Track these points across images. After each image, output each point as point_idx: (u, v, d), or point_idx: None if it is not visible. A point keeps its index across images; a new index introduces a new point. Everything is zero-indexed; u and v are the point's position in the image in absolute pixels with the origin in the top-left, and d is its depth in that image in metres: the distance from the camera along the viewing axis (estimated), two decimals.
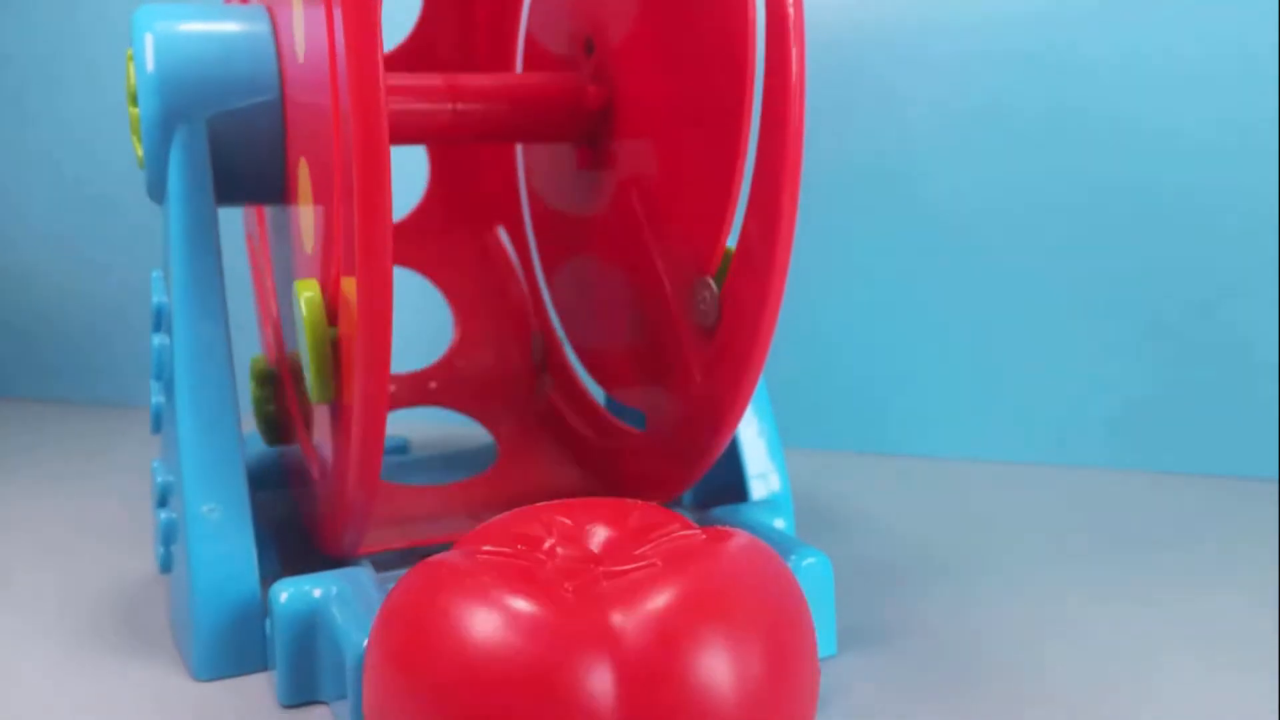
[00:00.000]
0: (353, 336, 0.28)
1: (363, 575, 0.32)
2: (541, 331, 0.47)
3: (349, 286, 0.28)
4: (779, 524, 0.37)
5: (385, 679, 0.22)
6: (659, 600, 0.21)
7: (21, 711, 0.32)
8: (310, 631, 0.32)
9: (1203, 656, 0.34)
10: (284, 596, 0.31)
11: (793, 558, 0.33)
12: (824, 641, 0.33)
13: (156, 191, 0.35)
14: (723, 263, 0.33)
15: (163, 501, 0.36)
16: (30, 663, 0.35)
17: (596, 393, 0.44)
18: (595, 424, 0.42)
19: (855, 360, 0.57)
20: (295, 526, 0.39)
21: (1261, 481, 0.50)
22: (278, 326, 0.42)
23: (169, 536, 0.35)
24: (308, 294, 0.29)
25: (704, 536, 0.23)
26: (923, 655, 0.34)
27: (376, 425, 0.28)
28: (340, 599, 0.31)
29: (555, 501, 0.27)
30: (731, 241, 0.32)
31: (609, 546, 0.23)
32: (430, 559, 0.24)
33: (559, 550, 0.23)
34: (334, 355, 0.29)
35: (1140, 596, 0.39)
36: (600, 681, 0.20)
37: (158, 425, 0.36)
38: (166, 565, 0.36)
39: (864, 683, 0.32)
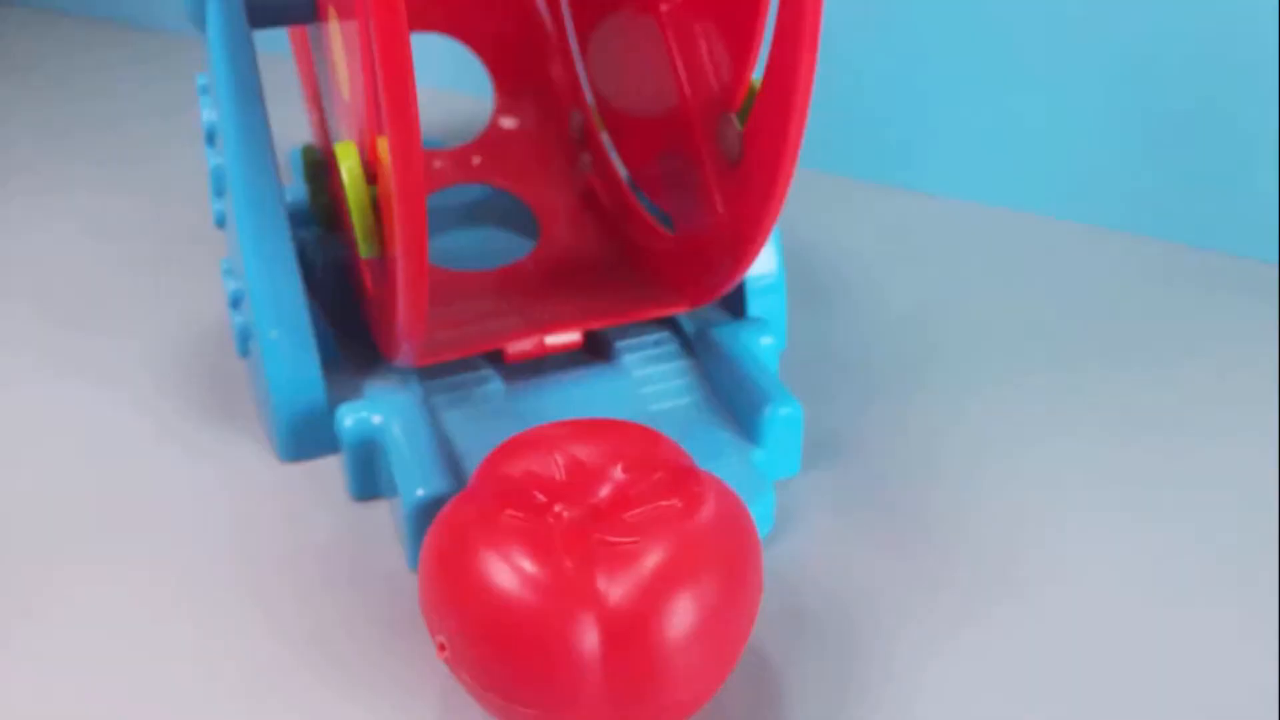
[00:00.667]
0: (390, 196, 0.30)
1: (415, 407, 0.36)
2: (580, 110, 0.48)
3: (383, 148, 0.30)
4: (767, 341, 0.40)
5: (433, 600, 0.28)
6: (638, 570, 0.26)
7: (119, 484, 0.37)
8: (372, 448, 0.36)
9: (1176, 462, 0.38)
10: (349, 422, 0.35)
11: (769, 406, 0.36)
12: (788, 465, 0.37)
13: (196, 15, 0.36)
14: (747, 99, 0.33)
15: (235, 304, 0.39)
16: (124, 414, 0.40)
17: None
18: (629, 216, 0.44)
19: (868, 87, 0.56)
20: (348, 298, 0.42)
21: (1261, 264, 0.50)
22: (321, 110, 0.44)
23: (245, 334, 0.39)
24: (348, 163, 0.31)
25: (680, 506, 0.28)
26: (879, 470, 0.38)
27: (419, 281, 0.31)
28: (394, 440, 0.35)
29: (561, 429, 0.30)
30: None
31: (607, 506, 0.28)
32: (463, 510, 0.28)
33: (564, 515, 0.28)
34: (375, 213, 0.32)
35: (1122, 396, 0.42)
36: (589, 633, 0.26)
37: (221, 222, 0.39)
38: (244, 353, 0.40)
39: (820, 502, 0.36)
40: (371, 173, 0.31)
